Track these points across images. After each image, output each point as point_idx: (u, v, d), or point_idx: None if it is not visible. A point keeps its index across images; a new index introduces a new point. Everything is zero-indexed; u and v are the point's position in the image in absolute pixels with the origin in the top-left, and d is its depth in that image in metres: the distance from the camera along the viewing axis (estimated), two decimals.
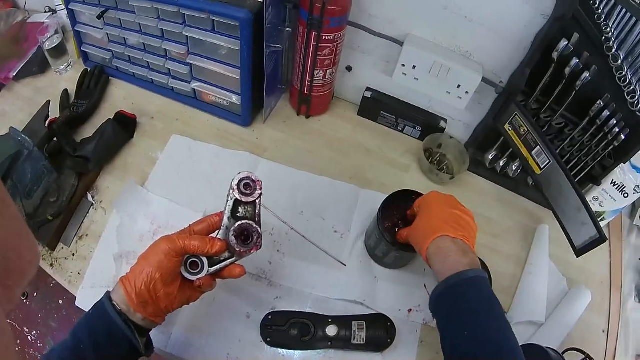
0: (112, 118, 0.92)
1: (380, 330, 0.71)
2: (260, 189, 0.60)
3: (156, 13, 0.85)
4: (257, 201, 0.60)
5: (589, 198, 0.82)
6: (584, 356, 0.70)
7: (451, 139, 0.94)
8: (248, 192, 0.59)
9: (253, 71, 0.84)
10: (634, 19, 0.62)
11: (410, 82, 0.86)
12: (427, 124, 0.95)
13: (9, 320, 1.60)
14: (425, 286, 0.78)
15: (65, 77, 1.06)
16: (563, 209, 0.78)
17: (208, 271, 0.57)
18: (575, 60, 0.69)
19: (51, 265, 0.80)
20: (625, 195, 0.80)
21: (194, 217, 0.81)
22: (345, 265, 0.76)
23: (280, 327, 0.72)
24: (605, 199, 0.83)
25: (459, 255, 0.55)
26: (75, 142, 0.89)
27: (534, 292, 0.78)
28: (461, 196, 0.89)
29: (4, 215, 0.30)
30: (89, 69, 1.04)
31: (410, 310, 0.75)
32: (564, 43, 0.68)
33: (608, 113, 0.72)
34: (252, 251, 0.58)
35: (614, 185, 0.80)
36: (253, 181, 0.60)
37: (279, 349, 0.72)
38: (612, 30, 0.64)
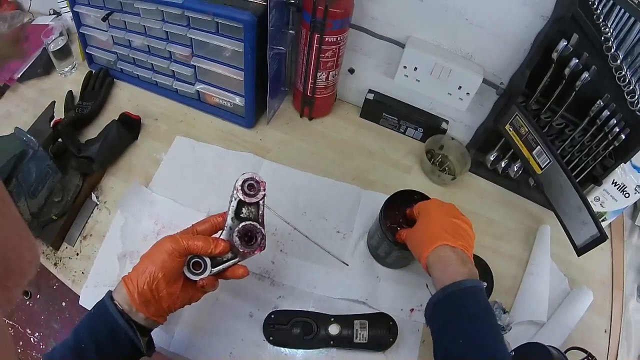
0: (116, 119, 0.92)
1: (383, 329, 0.71)
2: (264, 189, 0.60)
3: (161, 15, 0.86)
4: (261, 202, 0.60)
5: (590, 198, 0.83)
6: (585, 355, 0.70)
7: (453, 140, 0.94)
8: (252, 192, 0.59)
9: (256, 73, 0.85)
10: (632, 18, 0.63)
11: (411, 83, 0.86)
12: (429, 126, 0.96)
13: (11, 322, 1.60)
14: (427, 286, 0.78)
15: (69, 79, 1.07)
16: (564, 208, 0.79)
17: (211, 271, 0.57)
18: (574, 61, 0.69)
19: (55, 264, 0.80)
20: (627, 195, 0.80)
21: (198, 217, 0.81)
22: (347, 265, 0.76)
23: (283, 326, 0.72)
24: (607, 199, 0.83)
25: (459, 265, 0.56)
26: (80, 143, 0.90)
27: (536, 292, 0.79)
28: (463, 197, 0.91)
29: (4, 215, 0.30)
30: (94, 71, 1.05)
31: (412, 310, 0.76)
32: (563, 43, 0.69)
33: (608, 113, 0.72)
34: (255, 252, 0.58)
35: (615, 186, 0.81)
36: (257, 182, 0.60)
37: (282, 348, 0.72)
38: (611, 31, 0.65)
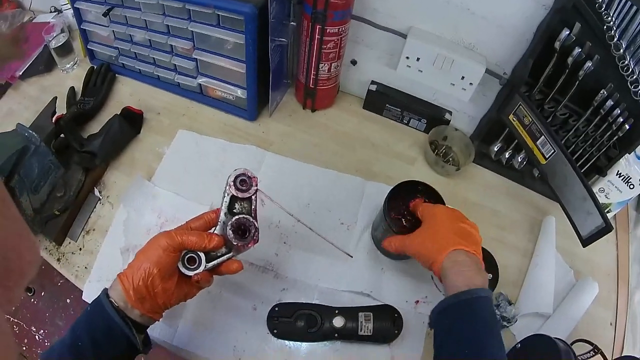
0: (118, 114, 0.92)
1: (387, 321, 0.71)
2: (257, 185, 0.61)
3: (161, 9, 0.86)
4: (253, 197, 0.61)
5: (594, 190, 0.82)
6: (591, 347, 0.70)
7: (456, 131, 0.94)
8: (244, 188, 0.60)
9: (258, 65, 0.85)
10: (634, 7, 0.62)
11: (414, 74, 0.86)
12: (433, 117, 0.95)
13: (16, 320, 1.60)
14: (432, 277, 0.77)
15: (71, 75, 1.07)
16: (569, 198, 0.78)
17: (205, 266, 0.58)
18: (577, 50, 0.69)
19: (58, 260, 0.80)
20: (631, 186, 0.79)
21: (201, 211, 0.80)
22: (351, 257, 0.76)
23: (287, 319, 0.72)
24: (611, 190, 0.82)
25: (474, 272, 0.55)
26: (82, 138, 0.90)
27: (541, 283, 0.78)
28: (467, 188, 0.91)
29: (4, 215, 0.30)
30: (95, 67, 1.05)
31: (417, 302, 0.75)
32: (565, 33, 0.68)
33: (612, 103, 0.72)
34: (249, 245, 0.59)
35: (619, 177, 0.80)
36: (249, 177, 0.61)
37: (286, 341, 0.71)
38: (613, 20, 0.64)
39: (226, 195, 0.60)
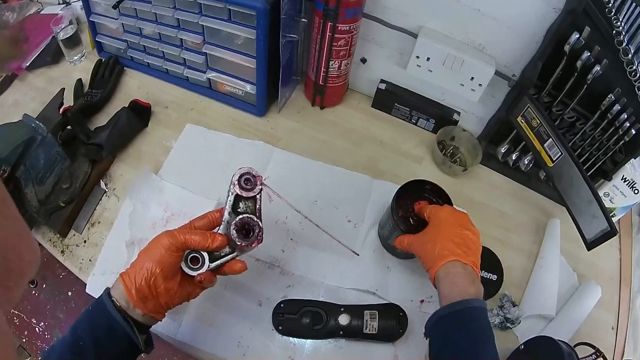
0: (126, 106, 0.92)
1: (392, 320, 0.71)
2: (261, 184, 0.61)
3: (172, 2, 0.86)
4: (258, 196, 0.60)
5: (599, 194, 0.82)
6: (593, 350, 0.70)
7: (464, 132, 0.94)
8: (249, 187, 0.60)
9: (268, 61, 0.85)
10: None
11: (424, 74, 0.86)
12: (441, 117, 0.96)
13: (17, 312, 1.60)
14: None
15: (79, 67, 1.07)
16: (574, 201, 0.79)
17: (209, 266, 0.57)
18: (586, 54, 0.69)
19: (62, 252, 0.80)
20: (636, 191, 0.80)
21: (208, 205, 0.81)
22: (358, 255, 0.76)
23: (292, 316, 0.72)
24: (616, 194, 0.83)
25: (468, 283, 0.56)
26: (89, 130, 0.90)
27: (545, 286, 0.78)
28: (473, 188, 0.91)
29: (4, 215, 0.30)
30: (103, 59, 1.05)
31: (422, 301, 0.75)
32: (575, 36, 0.69)
33: (619, 107, 0.72)
34: (253, 245, 0.58)
35: (624, 181, 0.81)
36: (253, 176, 0.60)
37: (291, 338, 0.71)
38: (623, 24, 0.65)
39: (230, 194, 0.59)
